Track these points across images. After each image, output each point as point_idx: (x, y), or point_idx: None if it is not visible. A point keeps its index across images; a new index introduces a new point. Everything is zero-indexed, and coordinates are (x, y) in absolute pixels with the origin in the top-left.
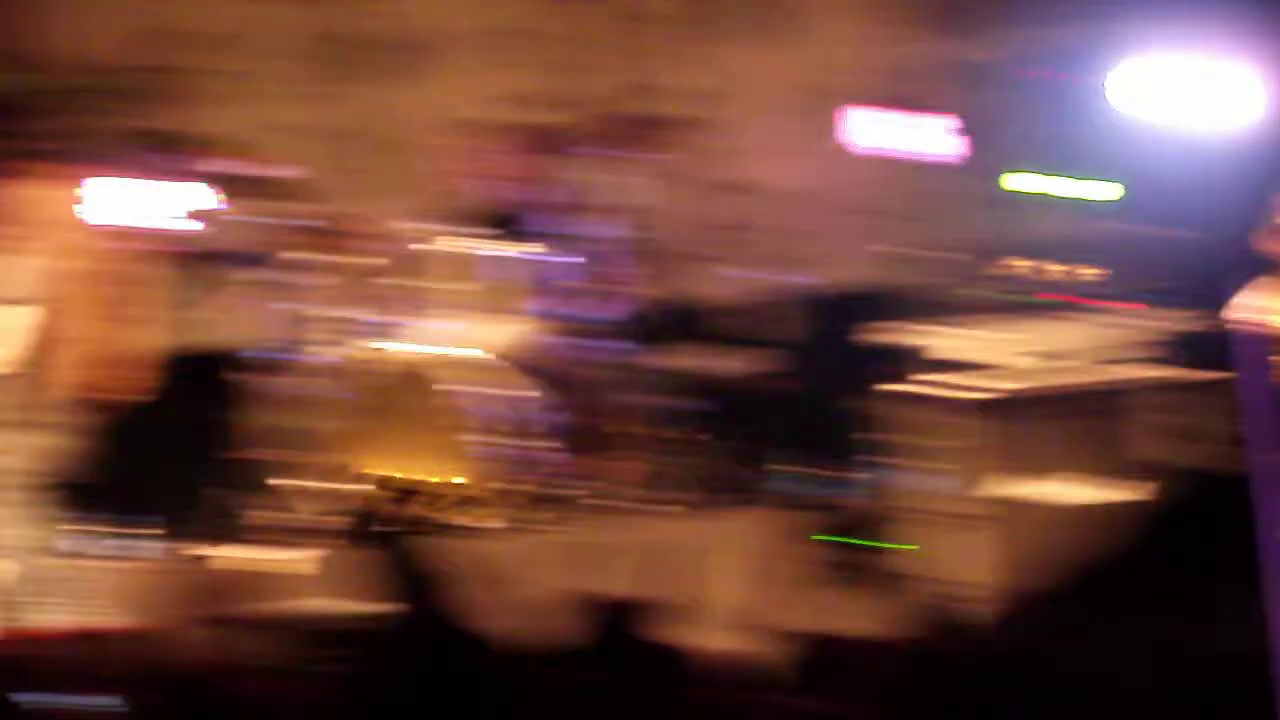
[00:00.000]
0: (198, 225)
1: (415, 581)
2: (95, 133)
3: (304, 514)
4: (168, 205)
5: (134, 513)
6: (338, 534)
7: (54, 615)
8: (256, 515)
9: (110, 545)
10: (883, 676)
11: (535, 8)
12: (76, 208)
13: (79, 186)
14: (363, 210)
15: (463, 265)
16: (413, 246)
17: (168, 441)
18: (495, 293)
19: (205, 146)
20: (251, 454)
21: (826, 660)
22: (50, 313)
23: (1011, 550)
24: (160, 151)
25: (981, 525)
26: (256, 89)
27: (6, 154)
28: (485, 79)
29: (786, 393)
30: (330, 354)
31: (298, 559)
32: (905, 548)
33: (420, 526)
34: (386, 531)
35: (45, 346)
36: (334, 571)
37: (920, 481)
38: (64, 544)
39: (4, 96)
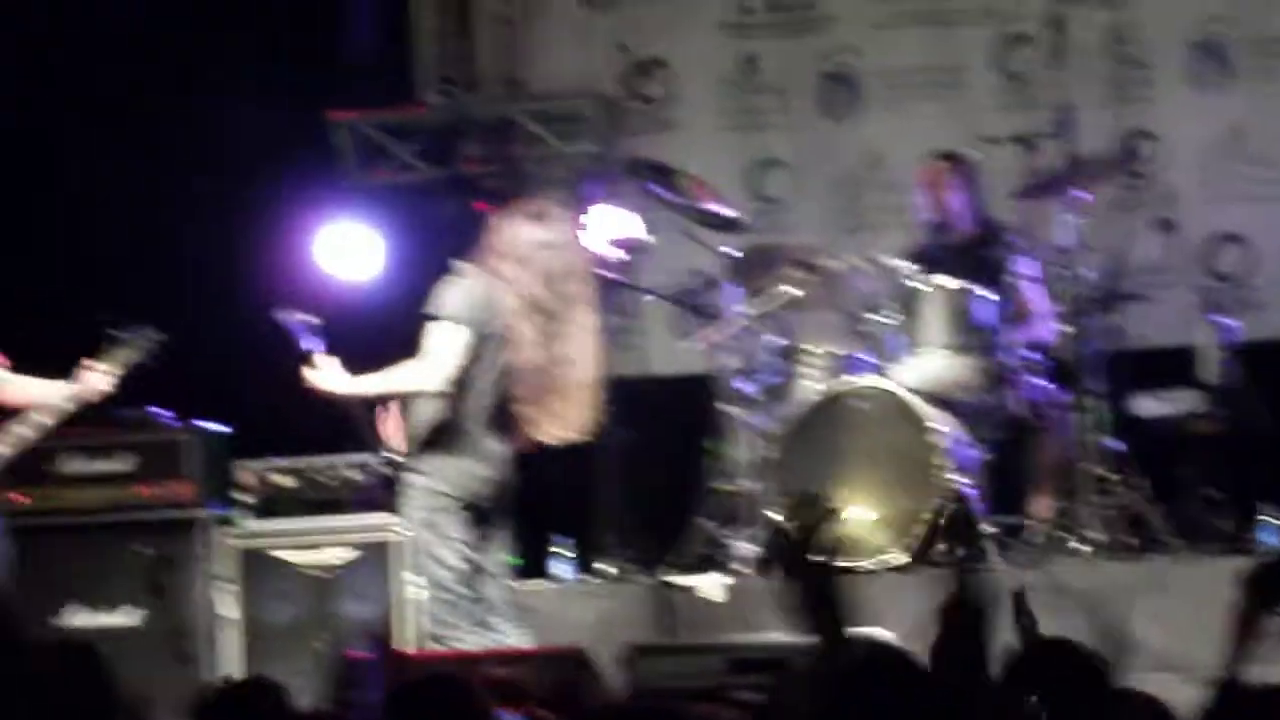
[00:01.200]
0: (641, 253)
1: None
2: (565, 160)
3: (764, 543)
4: (628, 233)
5: (579, 537)
6: (794, 562)
7: (492, 637)
8: (714, 544)
9: (557, 569)
10: None
11: (977, 47)
12: (542, 235)
13: (549, 215)
14: (829, 243)
15: (927, 301)
16: (876, 280)
17: (624, 468)
18: (952, 327)
19: (670, 176)
20: (715, 483)
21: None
22: (507, 337)
23: None
24: (627, 180)
25: None
26: (726, 121)
27: (485, 179)
28: (943, 115)
29: (1249, 438)
30: (804, 385)
31: (753, 587)
32: None
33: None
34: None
35: (500, 371)
36: (789, 600)
37: None
38: (497, 565)
39: (489, 122)
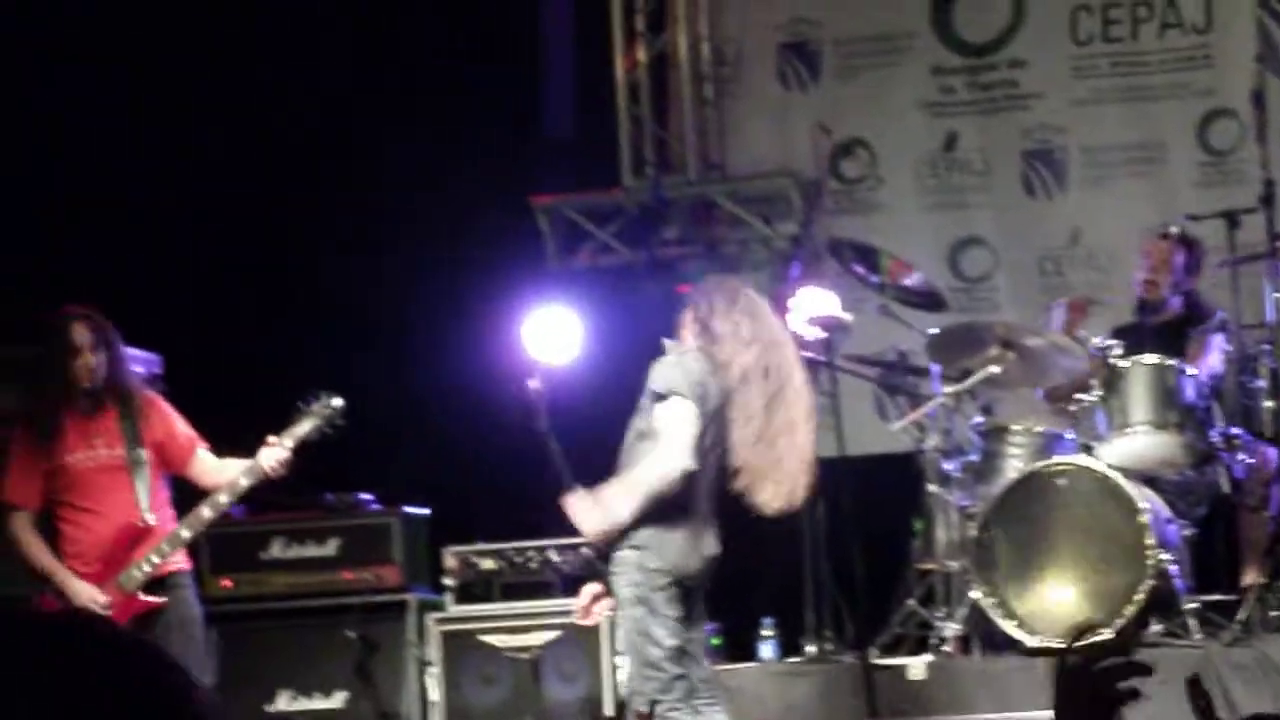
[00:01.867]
0: (841, 333)
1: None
2: (765, 241)
3: (967, 621)
4: (828, 312)
5: (782, 617)
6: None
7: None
8: (918, 623)
9: (761, 649)
10: None
11: (1178, 122)
12: (749, 310)
13: (749, 293)
14: (1031, 321)
15: (1131, 377)
16: (1078, 357)
17: (827, 548)
18: (1157, 403)
19: (871, 255)
20: (919, 562)
21: None
22: (726, 411)
23: None
24: (828, 259)
25: None
26: (927, 200)
27: (685, 260)
28: (1145, 191)
29: None
30: (1007, 464)
31: (957, 667)
32: None
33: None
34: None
35: (719, 445)
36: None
37: None
38: (699, 645)
39: (689, 204)
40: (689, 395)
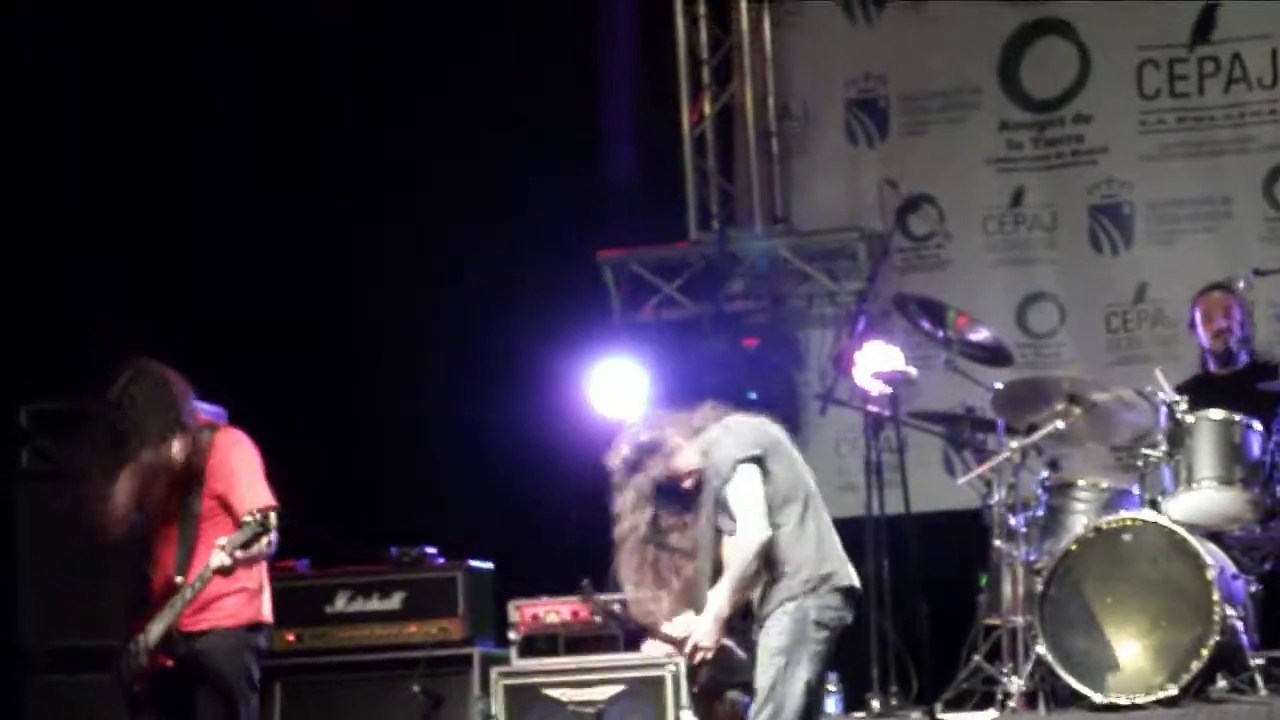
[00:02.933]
0: (906, 388)
1: None
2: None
3: (1032, 677)
4: (894, 367)
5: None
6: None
7: None
8: (984, 679)
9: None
10: None
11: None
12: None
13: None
14: (1097, 377)
15: (1196, 433)
16: (1144, 413)
17: (892, 603)
18: (1222, 459)
19: (937, 311)
20: (985, 618)
21: None
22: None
23: None
24: (894, 315)
25: None
26: (993, 256)
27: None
28: (1211, 246)
29: None
30: (1073, 519)
31: None
32: None
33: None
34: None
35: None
36: None
37: None
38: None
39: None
40: (754, 453)
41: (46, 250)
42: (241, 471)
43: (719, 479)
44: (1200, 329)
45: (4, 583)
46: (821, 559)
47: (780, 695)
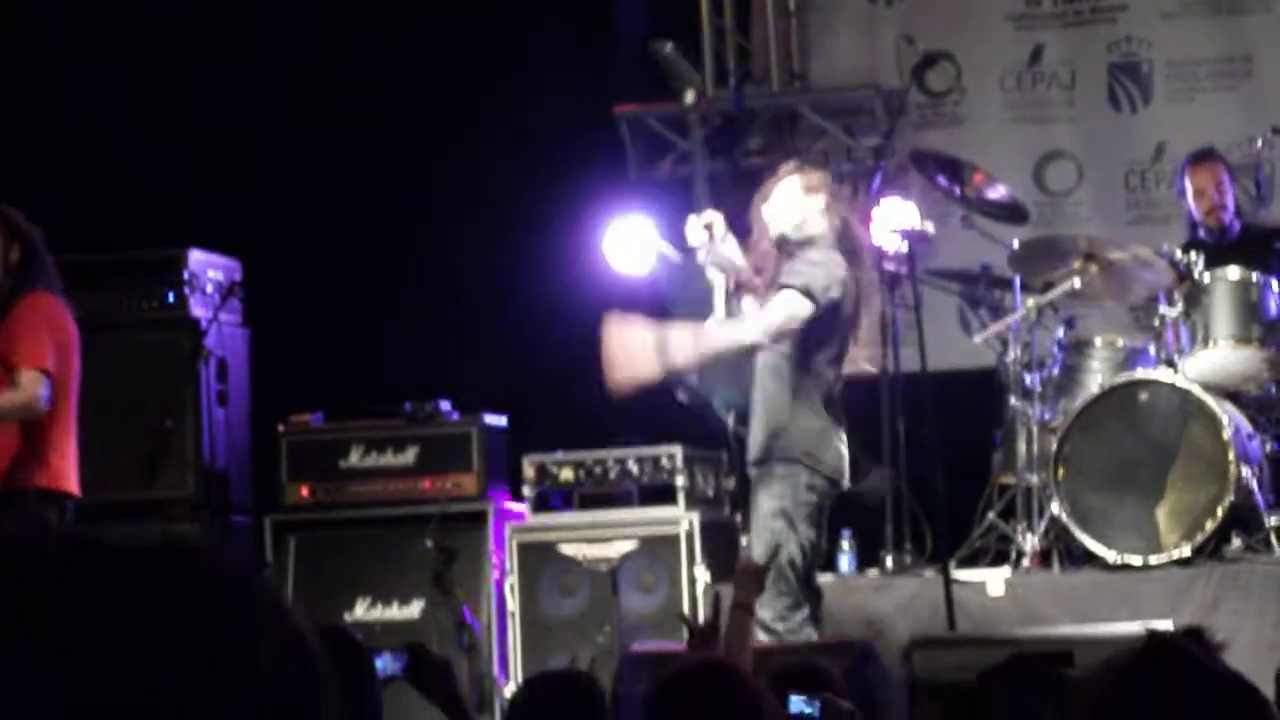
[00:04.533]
0: (923, 246)
1: None
2: (848, 153)
3: (1046, 536)
4: (911, 225)
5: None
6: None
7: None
8: (997, 537)
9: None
10: None
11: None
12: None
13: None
14: (1114, 235)
15: (1213, 292)
16: (1162, 271)
17: (906, 461)
18: (1239, 318)
19: (955, 168)
20: (999, 477)
21: None
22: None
23: None
24: (911, 172)
25: None
26: (1011, 114)
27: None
28: (1232, 105)
29: None
30: (1089, 379)
31: (1035, 581)
32: None
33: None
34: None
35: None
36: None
37: None
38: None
39: (772, 115)
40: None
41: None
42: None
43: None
44: (1191, 202)
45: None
46: (826, 445)
47: (781, 556)
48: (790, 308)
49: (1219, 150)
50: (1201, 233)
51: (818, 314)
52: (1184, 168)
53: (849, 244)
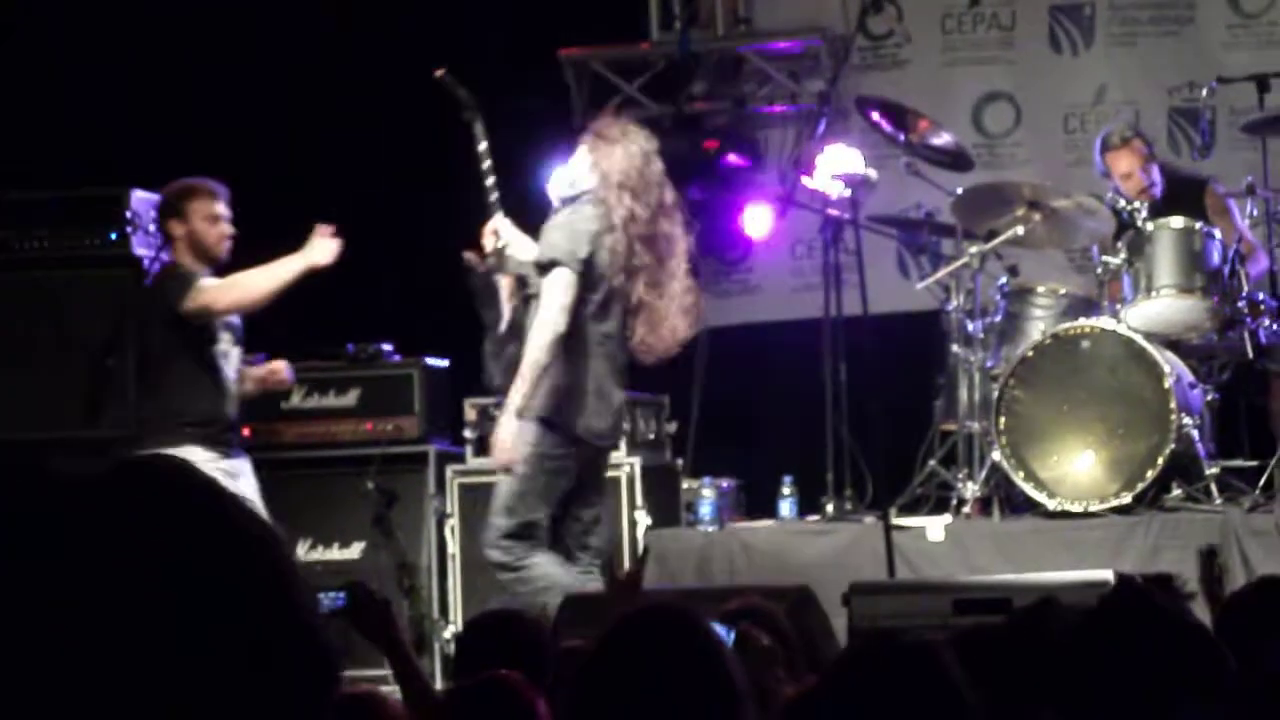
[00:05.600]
0: (866, 191)
1: None
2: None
3: (987, 483)
4: (854, 170)
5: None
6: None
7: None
8: (938, 484)
9: (781, 508)
10: None
11: None
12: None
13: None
14: (1055, 180)
15: (1156, 240)
16: (1103, 219)
17: (848, 407)
18: (1182, 267)
19: (897, 113)
20: (940, 423)
21: None
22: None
23: None
24: (854, 117)
25: None
26: (951, 57)
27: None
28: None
29: None
30: (1031, 325)
31: (975, 528)
32: None
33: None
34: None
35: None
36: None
37: None
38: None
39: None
40: (568, 262)
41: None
42: None
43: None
44: (1120, 184)
45: None
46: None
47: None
48: (552, 291)
49: (1130, 127)
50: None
51: (579, 273)
52: (1100, 152)
53: (633, 186)
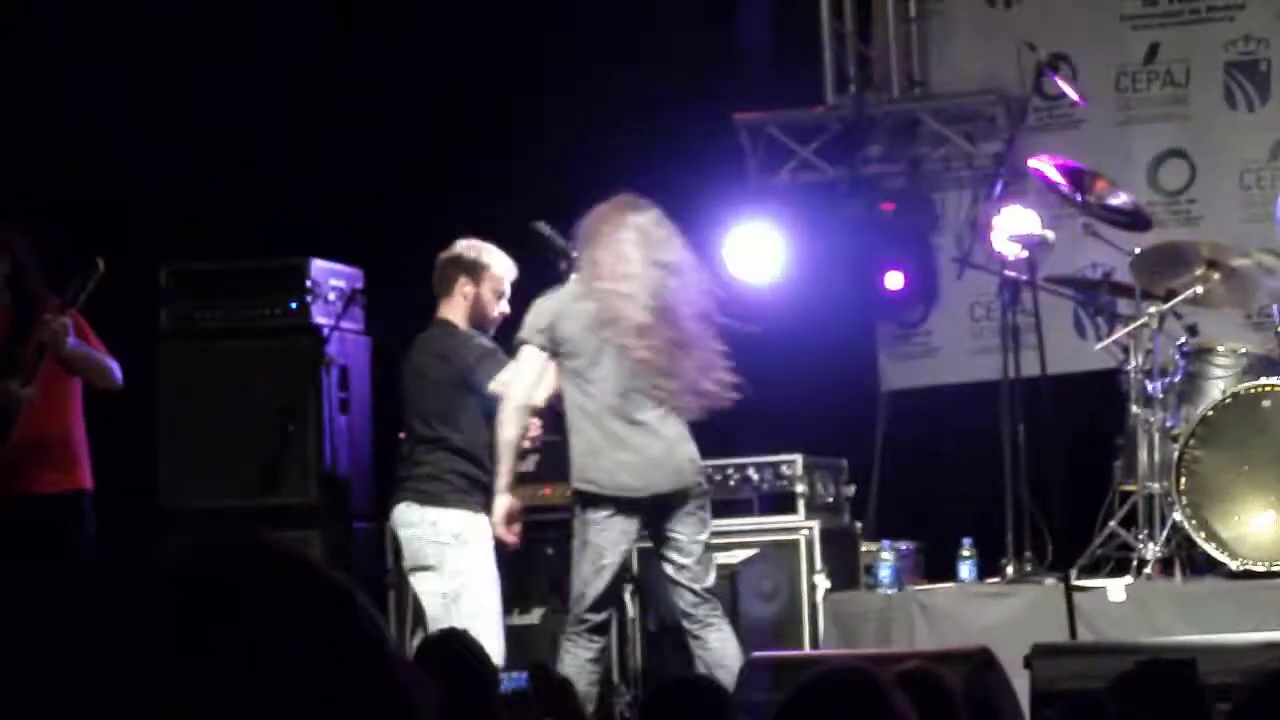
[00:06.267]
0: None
1: None
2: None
3: (1168, 544)
4: (1031, 231)
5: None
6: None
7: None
8: (1119, 545)
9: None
10: None
11: None
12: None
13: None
14: (1234, 237)
15: None
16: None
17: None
18: None
19: (1074, 174)
20: (1120, 484)
21: None
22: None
23: None
24: (1030, 177)
25: None
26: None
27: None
28: None
29: None
30: (1212, 385)
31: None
32: None
33: None
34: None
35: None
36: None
37: None
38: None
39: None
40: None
41: (188, 112)
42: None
43: None
44: None
45: (143, 443)
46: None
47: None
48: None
49: None
50: None
51: (542, 348)
52: None
53: (596, 272)
